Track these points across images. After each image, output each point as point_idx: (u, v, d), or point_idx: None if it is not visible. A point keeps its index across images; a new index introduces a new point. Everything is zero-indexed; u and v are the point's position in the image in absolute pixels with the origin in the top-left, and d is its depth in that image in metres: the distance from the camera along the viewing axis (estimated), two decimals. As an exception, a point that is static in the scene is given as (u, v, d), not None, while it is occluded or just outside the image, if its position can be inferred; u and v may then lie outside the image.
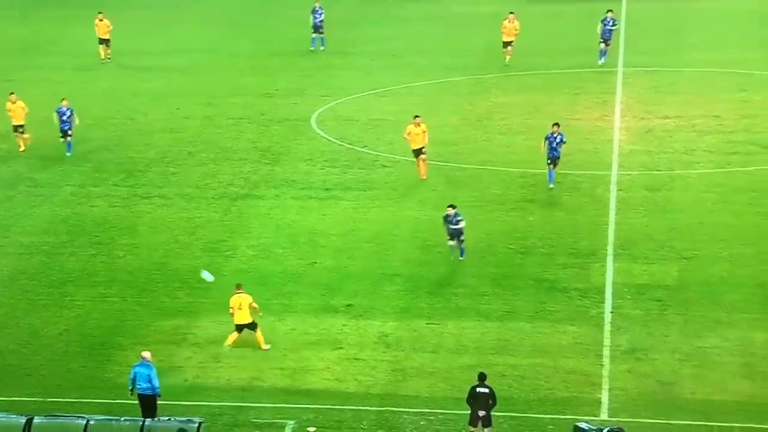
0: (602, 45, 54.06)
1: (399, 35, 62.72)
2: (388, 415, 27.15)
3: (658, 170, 41.39)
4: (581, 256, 34.62)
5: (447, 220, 34.49)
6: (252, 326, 30.19)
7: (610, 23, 54.10)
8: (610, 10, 54.53)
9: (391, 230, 37.09)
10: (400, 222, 37.72)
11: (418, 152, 40.93)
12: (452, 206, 34.59)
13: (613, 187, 39.84)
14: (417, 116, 41.08)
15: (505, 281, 33.28)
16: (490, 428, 25.68)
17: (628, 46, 53.63)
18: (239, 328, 30.16)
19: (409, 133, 40.98)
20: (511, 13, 54.67)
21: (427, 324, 31.06)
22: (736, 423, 26.10)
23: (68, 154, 44.76)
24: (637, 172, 41.22)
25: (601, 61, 53.89)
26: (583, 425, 24.57)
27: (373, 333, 30.65)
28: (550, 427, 26.33)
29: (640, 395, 27.53)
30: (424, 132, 40.80)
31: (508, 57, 54.53)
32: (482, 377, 25.86)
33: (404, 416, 27.05)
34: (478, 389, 25.66)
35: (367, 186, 40.84)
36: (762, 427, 25.98)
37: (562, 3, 68.48)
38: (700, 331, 30.16)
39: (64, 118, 44.74)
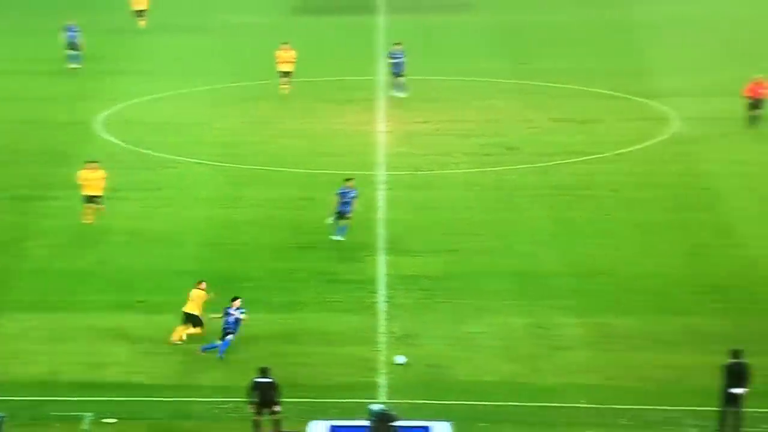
0: (396, 79, 50.36)
1: (179, 43, 61.55)
2: (181, 405, 26.62)
3: (421, 171, 42.21)
4: (357, 251, 34.88)
5: (226, 313, 28.68)
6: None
7: (400, 56, 50.50)
8: (398, 43, 51.66)
9: (179, 229, 36.36)
10: (187, 221, 37.02)
11: (90, 199, 35.59)
12: (237, 298, 29.04)
13: (381, 186, 40.36)
14: (93, 161, 36.82)
15: (291, 275, 33.21)
16: (275, 416, 25.50)
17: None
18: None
19: (84, 179, 35.73)
20: (285, 43, 51.78)
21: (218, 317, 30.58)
22: (501, 402, 26.84)
23: None
24: (402, 173, 41.91)
25: (403, 94, 50.29)
26: (375, 407, 24.56)
27: (166, 327, 29.94)
28: (333, 410, 26.40)
29: (414, 378, 27.96)
30: (102, 178, 35.71)
31: (286, 89, 50.50)
32: (263, 370, 25.60)
33: (198, 405, 26.58)
34: (258, 380, 25.43)
35: (154, 186, 39.88)
36: (523, 405, 26.80)
37: (328, 15, 68.86)
38: (465, 318, 30.89)
39: None
